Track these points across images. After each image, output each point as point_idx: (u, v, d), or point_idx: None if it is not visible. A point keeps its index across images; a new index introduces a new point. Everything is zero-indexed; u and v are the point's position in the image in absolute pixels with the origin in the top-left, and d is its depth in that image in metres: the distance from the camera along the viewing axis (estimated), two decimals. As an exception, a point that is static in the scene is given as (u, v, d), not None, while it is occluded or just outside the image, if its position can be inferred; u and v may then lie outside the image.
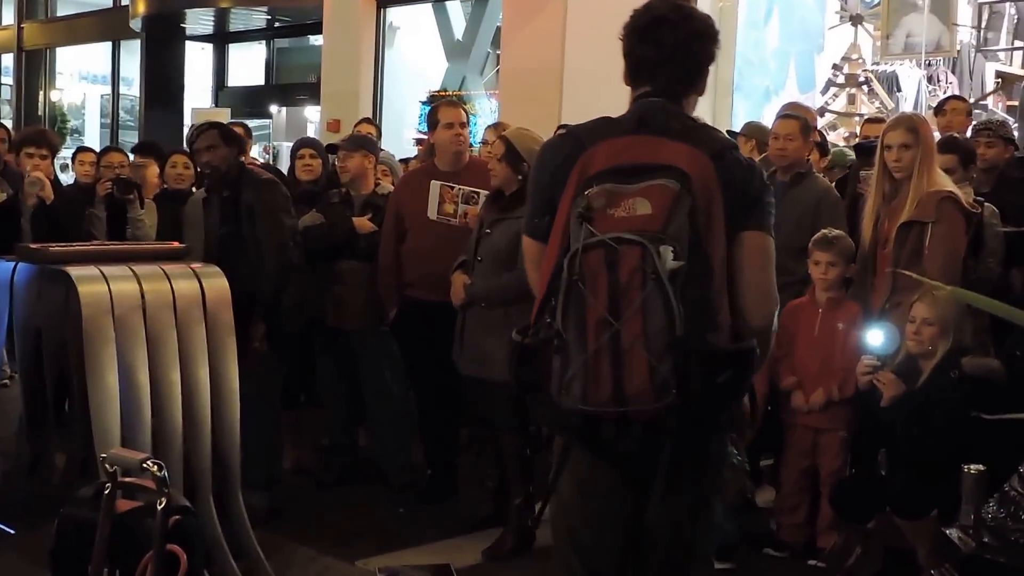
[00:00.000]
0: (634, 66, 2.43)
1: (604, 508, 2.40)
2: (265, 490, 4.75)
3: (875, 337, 4.11)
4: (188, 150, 5.30)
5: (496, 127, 6.33)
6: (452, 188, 4.88)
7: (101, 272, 3.80)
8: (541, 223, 2.41)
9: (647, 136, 2.32)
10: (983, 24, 9.03)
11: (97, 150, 7.18)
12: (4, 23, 20.81)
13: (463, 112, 5.15)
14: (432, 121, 5.15)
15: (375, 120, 10.53)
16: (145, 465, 2.67)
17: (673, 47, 2.38)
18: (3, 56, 21.08)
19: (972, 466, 3.46)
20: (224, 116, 11.37)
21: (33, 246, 4.18)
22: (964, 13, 8.27)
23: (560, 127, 5.81)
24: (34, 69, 20.36)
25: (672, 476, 2.26)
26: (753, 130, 6.28)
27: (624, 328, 2.12)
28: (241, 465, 4.75)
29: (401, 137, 10.98)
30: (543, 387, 2.21)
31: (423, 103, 10.70)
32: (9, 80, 20.90)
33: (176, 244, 4.43)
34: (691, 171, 2.25)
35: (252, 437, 4.76)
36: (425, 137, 7.28)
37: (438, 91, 10.93)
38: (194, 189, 5.71)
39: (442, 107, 5.24)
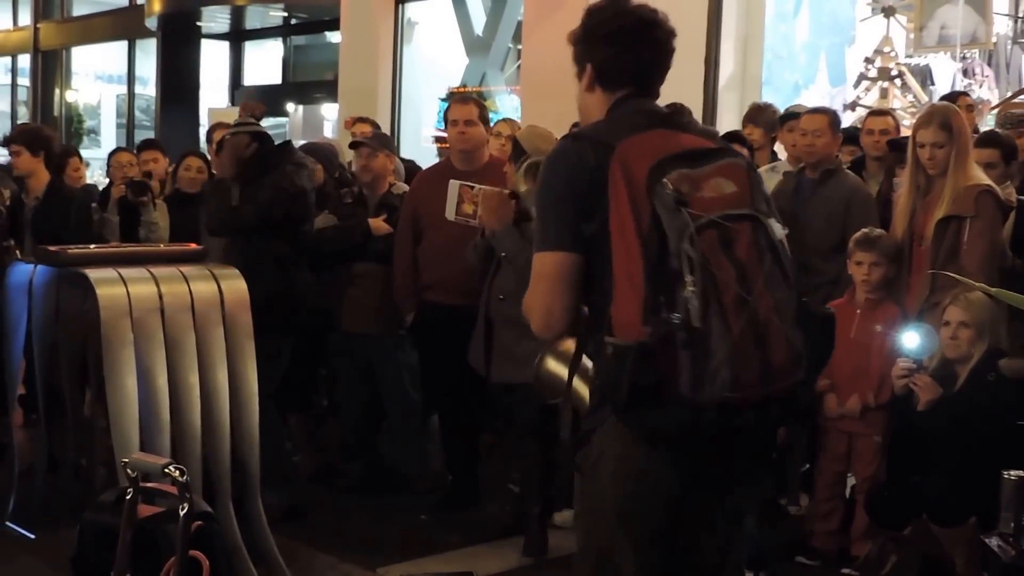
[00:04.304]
0: (617, 70, 2.39)
1: (654, 524, 2.28)
2: (277, 488, 4.67)
3: (911, 339, 4.02)
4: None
5: (509, 122, 6.20)
6: (471, 188, 4.74)
7: (119, 274, 3.79)
8: (578, 233, 2.26)
9: (670, 131, 2.30)
10: (1020, 14, 8.89)
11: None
12: (20, 23, 20.87)
13: (473, 108, 5.00)
14: (445, 118, 5.09)
15: (394, 118, 10.48)
16: (167, 470, 2.64)
17: (666, 48, 2.40)
18: (19, 57, 21.14)
19: (1012, 472, 3.36)
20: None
21: (52, 248, 4.15)
22: (1000, 1, 8.11)
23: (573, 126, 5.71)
24: (50, 70, 20.40)
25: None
26: (758, 113, 6.10)
27: (757, 303, 2.10)
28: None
29: (419, 135, 10.92)
30: (663, 389, 2.08)
31: (442, 100, 10.63)
32: (25, 81, 20.95)
33: (194, 246, 4.39)
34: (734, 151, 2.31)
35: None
36: (443, 134, 7.21)
37: (458, 87, 10.86)
38: None
39: (451, 104, 5.19)
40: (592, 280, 2.28)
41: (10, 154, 5.39)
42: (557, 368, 2.54)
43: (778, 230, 2.17)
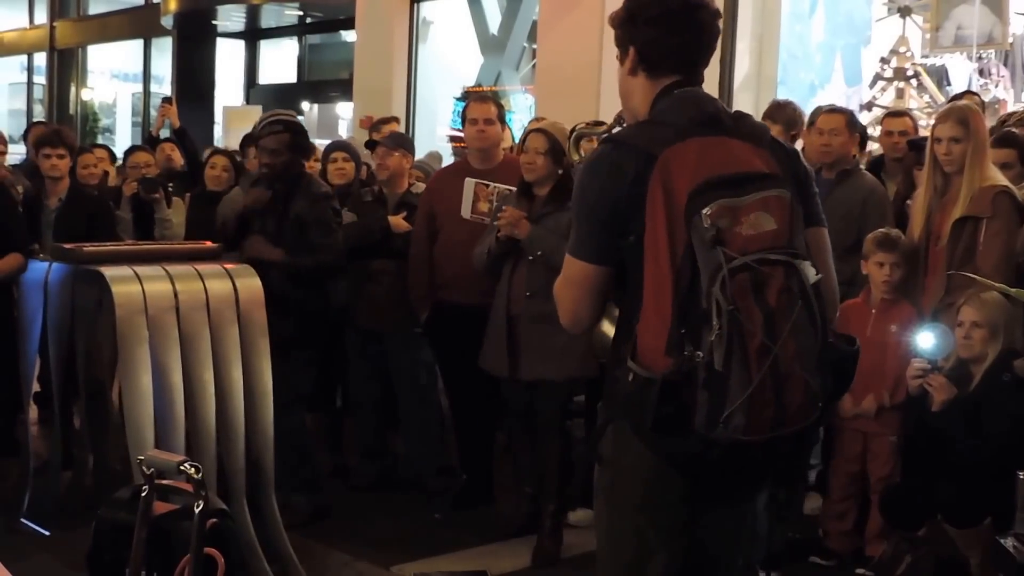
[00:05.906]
0: (661, 54, 2.29)
1: (674, 513, 2.29)
2: (306, 492, 4.70)
3: (926, 339, 4.00)
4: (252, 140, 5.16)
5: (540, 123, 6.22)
6: (487, 186, 4.76)
7: (135, 272, 3.79)
8: (607, 246, 2.22)
9: (717, 138, 2.20)
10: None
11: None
12: (37, 22, 20.96)
13: (491, 107, 5.02)
14: (463, 117, 5.10)
15: (408, 117, 10.49)
16: (182, 467, 2.63)
17: (712, 30, 2.33)
18: (36, 55, 21.24)
19: (1027, 472, 3.35)
20: (256, 113, 11.35)
21: (67, 246, 4.16)
22: (1017, 1, 8.08)
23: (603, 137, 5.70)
24: (66, 68, 20.48)
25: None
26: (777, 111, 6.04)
27: (781, 351, 2.04)
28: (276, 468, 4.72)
29: (434, 134, 10.92)
30: (682, 423, 2.07)
31: (457, 99, 10.64)
32: (42, 79, 21.04)
33: (209, 244, 4.39)
34: (781, 175, 2.19)
35: (283, 439, 4.71)
36: (459, 133, 7.23)
37: (472, 87, 10.87)
38: None
39: (470, 102, 5.20)
40: (626, 285, 2.24)
41: (50, 155, 5.32)
42: (609, 330, 2.55)
43: (811, 274, 2.09)
